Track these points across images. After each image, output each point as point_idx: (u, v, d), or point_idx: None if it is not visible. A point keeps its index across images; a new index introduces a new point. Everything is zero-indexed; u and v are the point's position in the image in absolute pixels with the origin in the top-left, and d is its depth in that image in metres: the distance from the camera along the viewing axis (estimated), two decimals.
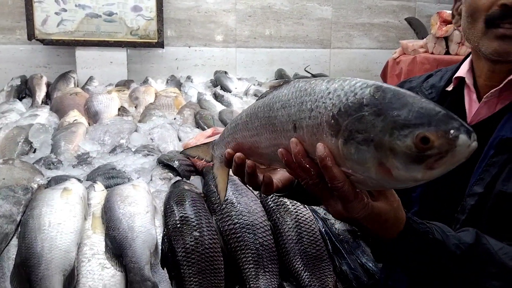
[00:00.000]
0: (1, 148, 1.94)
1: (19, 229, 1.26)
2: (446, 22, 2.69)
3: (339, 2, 3.97)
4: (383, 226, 0.68)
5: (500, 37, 0.88)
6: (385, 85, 0.59)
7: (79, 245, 1.23)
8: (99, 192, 1.46)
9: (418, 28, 3.42)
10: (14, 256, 1.18)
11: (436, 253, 0.73)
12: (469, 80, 0.99)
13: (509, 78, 0.90)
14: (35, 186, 1.49)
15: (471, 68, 1.00)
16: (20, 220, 1.29)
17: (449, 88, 1.03)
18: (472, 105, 0.97)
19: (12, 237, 1.25)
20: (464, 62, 1.04)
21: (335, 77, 0.63)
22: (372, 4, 4.07)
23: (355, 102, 0.58)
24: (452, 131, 0.53)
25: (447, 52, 2.81)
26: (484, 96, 0.94)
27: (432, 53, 2.86)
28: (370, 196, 0.66)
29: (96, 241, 1.25)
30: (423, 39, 3.05)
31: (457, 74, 1.03)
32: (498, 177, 0.86)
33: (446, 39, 2.78)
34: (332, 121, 0.59)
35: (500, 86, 0.91)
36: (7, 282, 1.13)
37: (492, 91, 0.92)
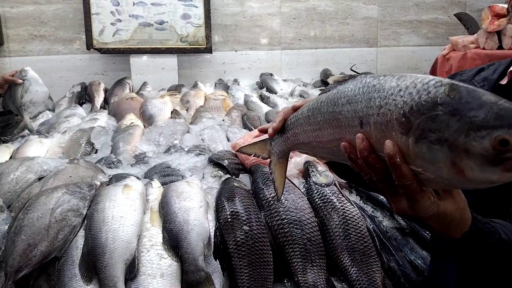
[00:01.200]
0: (67, 150, 2.11)
1: (85, 222, 1.37)
2: (498, 16, 2.59)
3: (385, 0, 3.92)
4: (447, 226, 0.67)
5: None
6: (460, 83, 0.57)
7: (139, 237, 1.32)
8: (156, 189, 1.56)
9: (468, 23, 3.31)
10: (82, 246, 1.30)
11: (503, 253, 0.72)
12: None
13: None
14: (98, 183, 1.61)
15: None
16: (86, 213, 1.40)
17: (503, 82, 1.01)
18: None
19: (80, 229, 1.36)
20: None
21: (405, 74, 0.62)
22: (420, 1, 3.98)
23: (428, 100, 0.56)
24: None
25: (500, 47, 2.71)
26: None
27: (483, 48, 2.77)
28: (436, 195, 0.65)
29: (154, 234, 1.35)
30: (474, 34, 2.96)
31: None
32: None
33: (499, 33, 2.68)
34: (403, 119, 0.57)
35: None
36: (76, 269, 1.24)
37: None
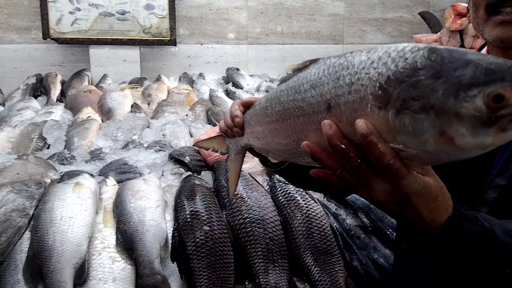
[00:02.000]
0: (16, 144, 1.98)
1: (31, 223, 1.28)
2: (460, 15, 2.64)
3: None
4: (433, 205, 0.62)
5: (501, 23, 0.86)
6: (439, 46, 0.52)
7: (90, 239, 1.24)
8: (111, 187, 1.47)
9: (432, 22, 3.36)
10: (27, 249, 1.20)
11: (485, 241, 0.68)
12: None
13: None
14: (48, 181, 1.51)
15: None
16: (33, 214, 1.31)
17: None
18: None
19: (25, 231, 1.27)
20: (481, 52, 1.02)
21: (375, 46, 0.56)
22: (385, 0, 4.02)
23: (407, 67, 0.50)
24: None
25: (462, 46, 2.76)
26: None
27: None
28: None
29: (107, 235, 1.27)
30: (437, 33, 3.00)
31: None
32: None
33: (461, 32, 2.73)
34: (380, 91, 0.51)
35: None
36: (19, 274, 1.15)
37: None
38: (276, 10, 3.80)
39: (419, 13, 3.61)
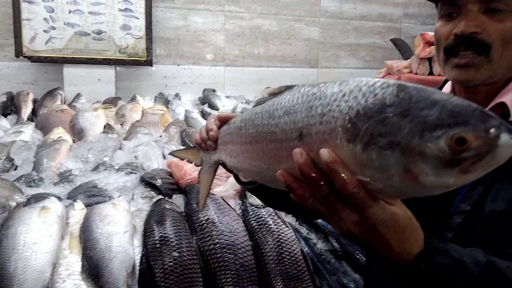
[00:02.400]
0: None
1: None
2: (429, 43, 2.74)
3: (326, 23, 4.04)
4: (402, 235, 0.62)
5: (456, 66, 0.90)
6: (408, 83, 0.53)
7: (55, 266, 1.21)
8: (78, 211, 1.44)
9: (403, 48, 3.48)
10: None
11: (458, 273, 0.69)
12: None
13: (495, 103, 0.92)
14: (14, 204, 1.47)
15: (453, 89, 1.02)
16: None
17: None
18: None
19: None
20: (448, 83, 1.06)
21: (348, 79, 0.57)
22: (359, 25, 4.14)
23: (376, 103, 0.51)
24: (492, 130, 0.48)
25: (431, 73, 2.86)
26: None
27: (416, 73, 2.91)
28: None
29: (73, 261, 1.23)
30: (408, 59, 3.10)
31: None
32: (486, 196, 0.85)
33: (430, 60, 2.83)
34: (349, 125, 0.52)
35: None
36: None
37: None
38: (253, 33, 3.86)
39: (390, 40, 3.73)
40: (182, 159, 1.12)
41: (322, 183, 0.57)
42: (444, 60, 0.93)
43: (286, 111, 0.62)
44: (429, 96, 0.51)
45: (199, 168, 1.05)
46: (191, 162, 1.07)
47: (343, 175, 0.53)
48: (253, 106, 0.76)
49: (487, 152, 0.48)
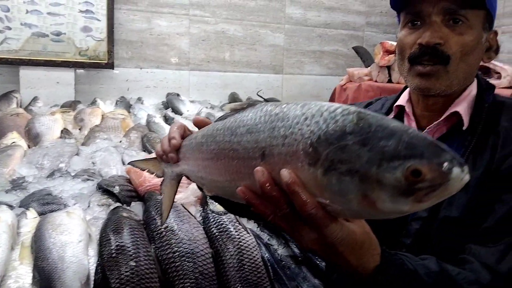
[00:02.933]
0: None
1: None
2: (388, 52, 2.82)
3: (291, 30, 4.09)
4: (360, 251, 0.64)
5: (419, 75, 0.94)
6: (367, 111, 0.56)
7: (3, 278, 1.15)
8: (31, 220, 1.38)
9: (364, 56, 3.57)
10: None
11: (411, 284, 0.72)
12: (408, 109, 1.04)
13: (450, 112, 0.96)
14: None
15: (410, 98, 1.06)
16: None
17: (390, 116, 1.06)
18: None
19: None
20: (405, 92, 1.09)
21: (309, 102, 0.59)
22: (323, 33, 4.22)
23: (336, 130, 0.54)
24: (445, 164, 0.51)
25: (390, 81, 2.94)
26: (427, 128, 0.99)
27: (376, 81, 2.99)
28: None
29: (23, 273, 1.18)
30: (368, 67, 3.18)
31: (397, 103, 1.07)
32: (441, 202, 0.89)
33: (389, 68, 2.92)
34: (310, 149, 0.54)
35: (440, 119, 0.97)
36: None
37: (434, 123, 0.98)
38: (218, 38, 3.85)
39: (352, 48, 3.82)
40: (143, 170, 1.10)
41: (282, 202, 0.58)
42: (408, 68, 0.97)
43: (248, 129, 0.63)
44: (388, 126, 0.53)
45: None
46: (152, 173, 1.04)
47: (302, 196, 0.55)
48: (215, 121, 0.76)
49: (440, 184, 0.51)
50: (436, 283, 0.74)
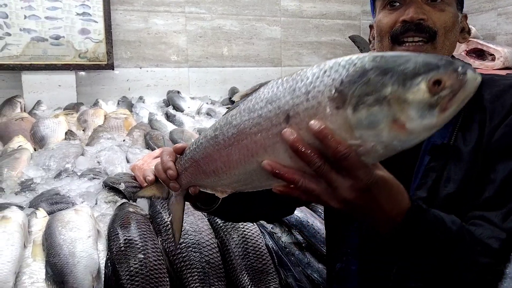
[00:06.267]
0: None
1: None
2: None
3: (287, 22, 4.10)
4: (391, 194, 0.67)
5: None
6: (379, 52, 0.61)
7: (18, 274, 1.20)
8: (41, 219, 1.43)
9: (362, 45, 3.58)
10: None
11: (439, 229, 0.75)
12: None
13: None
14: None
15: None
16: None
17: None
18: None
19: None
20: None
21: (322, 62, 0.64)
22: (319, 24, 4.23)
23: (357, 70, 0.58)
24: (460, 69, 0.57)
25: None
26: None
27: None
28: None
29: (36, 269, 1.23)
30: None
31: None
32: (439, 181, 0.90)
33: None
34: (336, 94, 0.58)
35: None
36: None
37: None
38: (215, 34, 3.88)
39: (349, 37, 3.83)
40: (150, 198, 1.08)
41: (313, 155, 0.60)
42: (389, 48, 0.98)
43: (267, 100, 0.65)
44: (401, 55, 0.59)
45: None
46: (158, 198, 1.02)
47: (335, 139, 0.58)
48: (223, 115, 0.76)
49: (459, 87, 0.57)
50: (459, 232, 0.77)
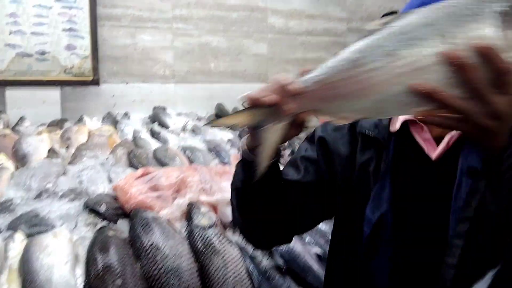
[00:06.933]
0: None
1: None
2: None
3: (274, 39, 4.15)
4: None
5: None
6: None
7: None
8: (18, 243, 1.41)
9: None
10: None
11: None
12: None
13: None
14: None
15: None
16: None
17: (395, 129, 0.97)
18: (430, 143, 0.92)
19: None
20: None
21: None
22: (305, 40, 4.29)
23: None
24: None
25: None
26: (448, 134, 0.91)
27: None
28: None
29: None
30: None
31: (404, 117, 0.98)
32: (484, 200, 0.82)
33: None
34: (501, 15, 0.60)
35: None
36: None
37: (453, 132, 0.91)
38: (202, 50, 3.90)
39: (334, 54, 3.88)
40: (229, 128, 0.87)
41: (473, 70, 0.61)
42: None
43: (424, 23, 0.65)
44: None
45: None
46: (242, 126, 0.83)
47: (497, 53, 0.59)
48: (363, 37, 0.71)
49: None
50: None
